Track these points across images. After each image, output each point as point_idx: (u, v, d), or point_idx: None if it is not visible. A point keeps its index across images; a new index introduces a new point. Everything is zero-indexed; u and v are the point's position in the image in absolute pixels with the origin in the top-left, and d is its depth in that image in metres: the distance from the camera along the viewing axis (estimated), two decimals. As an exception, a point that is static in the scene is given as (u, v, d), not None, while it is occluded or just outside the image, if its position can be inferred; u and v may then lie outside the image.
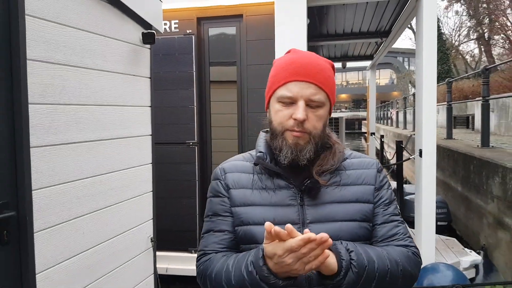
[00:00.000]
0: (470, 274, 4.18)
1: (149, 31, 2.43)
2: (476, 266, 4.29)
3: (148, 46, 2.51)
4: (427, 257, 3.61)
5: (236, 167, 1.18)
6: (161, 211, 2.94)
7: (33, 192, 1.65)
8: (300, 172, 1.10)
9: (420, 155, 3.69)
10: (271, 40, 3.63)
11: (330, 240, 0.86)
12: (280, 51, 3.61)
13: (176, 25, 3.93)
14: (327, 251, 0.89)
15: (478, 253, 4.50)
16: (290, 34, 3.59)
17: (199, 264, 1.13)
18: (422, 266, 1.29)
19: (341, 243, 0.99)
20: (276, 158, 1.13)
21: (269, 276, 0.91)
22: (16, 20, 1.56)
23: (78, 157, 1.91)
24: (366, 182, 1.14)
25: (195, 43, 3.87)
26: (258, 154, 1.13)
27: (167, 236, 3.56)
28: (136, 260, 2.39)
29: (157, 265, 2.71)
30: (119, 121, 2.24)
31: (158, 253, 2.72)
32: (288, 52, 1.16)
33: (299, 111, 1.04)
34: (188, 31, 3.88)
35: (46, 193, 1.74)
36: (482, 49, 22.12)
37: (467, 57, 24.99)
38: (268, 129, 1.19)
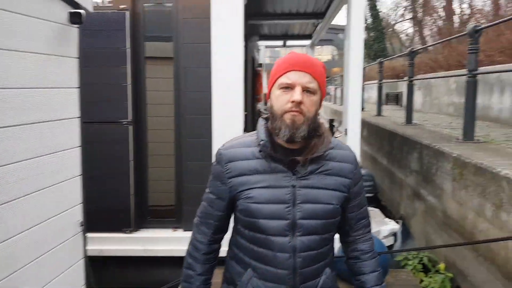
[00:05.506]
0: (389, 241, 4.61)
1: (76, 10, 2.35)
2: (394, 234, 4.74)
3: (76, 25, 2.43)
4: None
5: (240, 154, 1.38)
6: (93, 192, 2.90)
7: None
8: (295, 158, 1.33)
9: (346, 133, 3.92)
10: (208, 19, 3.60)
11: None
12: (216, 30, 3.59)
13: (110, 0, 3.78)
14: None
15: (397, 222, 4.97)
16: (227, 12, 3.57)
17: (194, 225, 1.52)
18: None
19: None
20: (275, 144, 1.35)
21: None
22: None
23: (3, 142, 1.86)
24: (344, 175, 1.40)
25: (129, 18, 3.76)
26: (262, 142, 1.35)
27: (100, 217, 3.46)
28: (64, 246, 2.35)
29: (90, 247, 2.70)
30: (45, 104, 2.18)
31: (90, 234, 2.71)
32: (289, 53, 1.39)
33: (297, 93, 1.27)
34: (121, 6, 3.75)
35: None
36: (415, 29, 23.28)
37: (402, 36, 26.19)
38: (265, 116, 1.40)
